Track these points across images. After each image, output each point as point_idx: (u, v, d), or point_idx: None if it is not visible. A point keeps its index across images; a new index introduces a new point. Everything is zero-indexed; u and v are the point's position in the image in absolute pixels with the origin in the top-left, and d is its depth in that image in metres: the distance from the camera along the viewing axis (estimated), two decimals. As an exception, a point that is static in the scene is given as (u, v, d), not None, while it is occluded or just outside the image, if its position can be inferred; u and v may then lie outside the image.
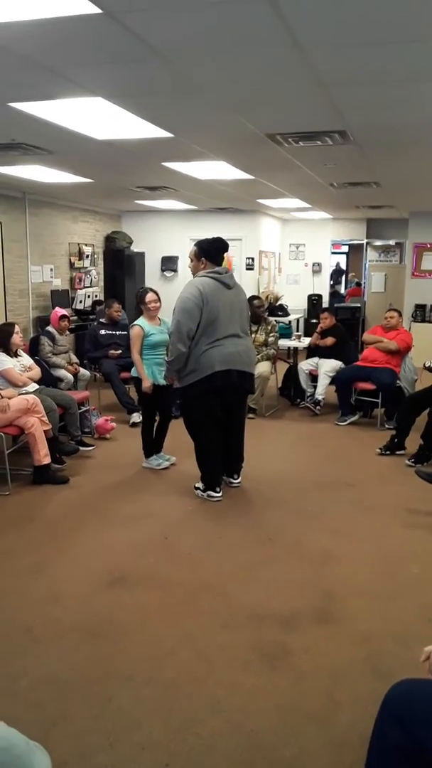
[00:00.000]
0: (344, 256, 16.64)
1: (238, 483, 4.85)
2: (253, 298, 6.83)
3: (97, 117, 4.26)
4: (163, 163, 6.11)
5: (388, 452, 5.67)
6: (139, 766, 2.17)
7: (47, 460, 4.88)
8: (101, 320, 7.43)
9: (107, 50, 2.98)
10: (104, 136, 4.87)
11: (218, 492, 4.59)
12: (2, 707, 2.45)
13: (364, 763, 1.77)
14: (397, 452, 5.63)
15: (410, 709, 1.58)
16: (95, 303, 9.81)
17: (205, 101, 3.88)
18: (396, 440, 5.67)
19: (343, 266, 16.69)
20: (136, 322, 5.23)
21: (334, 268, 15.48)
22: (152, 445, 5.28)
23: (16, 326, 5.31)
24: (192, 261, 4.56)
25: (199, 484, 4.68)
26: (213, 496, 4.57)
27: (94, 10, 2.47)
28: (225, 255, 4.65)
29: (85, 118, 4.34)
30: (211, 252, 4.50)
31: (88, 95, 3.72)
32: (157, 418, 5.30)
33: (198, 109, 4.08)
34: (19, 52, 3.02)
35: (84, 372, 6.91)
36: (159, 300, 5.28)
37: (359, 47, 2.88)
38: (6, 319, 7.38)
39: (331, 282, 14.94)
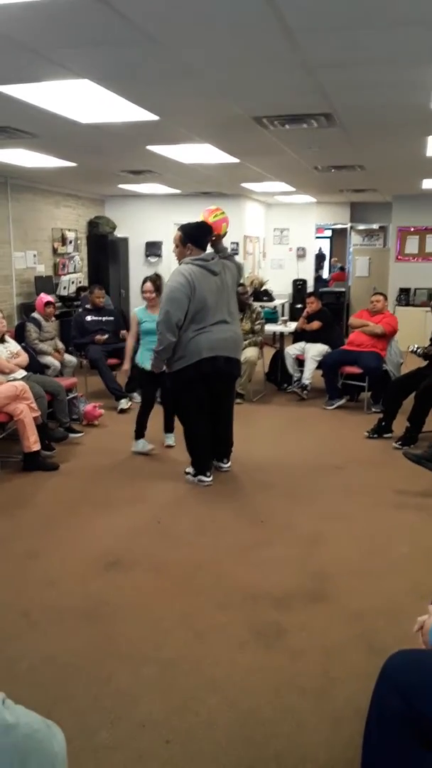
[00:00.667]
0: (328, 240, 16.70)
1: (228, 467, 4.88)
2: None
3: (83, 100, 4.22)
4: (147, 147, 6.07)
5: (375, 435, 5.73)
6: (140, 743, 2.20)
7: (37, 446, 4.88)
8: (86, 306, 7.40)
9: (95, 32, 2.96)
10: (90, 120, 4.83)
11: (209, 476, 4.62)
12: (4, 689, 2.45)
13: (362, 735, 1.82)
14: (385, 435, 5.70)
15: (408, 678, 1.62)
16: (79, 289, 9.76)
17: (192, 84, 3.86)
18: (383, 423, 5.73)
19: (326, 251, 16.75)
20: (136, 308, 5.45)
21: (316, 253, 15.53)
22: (143, 429, 5.28)
23: None
24: (177, 246, 4.52)
25: (190, 469, 4.70)
26: (204, 481, 4.60)
27: (83, -9, 2.45)
28: (223, 219, 4.61)
29: (70, 101, 4.29)
30: (197, 236, 4.48)
31: (75, 77, 3.69)
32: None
33: (185, 92, 4.06)
34: (3, 34, 2.98)
35: (70, 359, 6.91)
36: (158, 290, 5.25)
37: (344, 30, 2.88)
38: (-10, 306, 7.31)
39: (314, 267, 15.00)
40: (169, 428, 5.46)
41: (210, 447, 4.74)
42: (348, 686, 2.49)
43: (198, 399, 4.51)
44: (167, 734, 2.24)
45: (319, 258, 15.68)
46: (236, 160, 6.82)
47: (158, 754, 2.15)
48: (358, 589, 3.22)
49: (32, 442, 4.85)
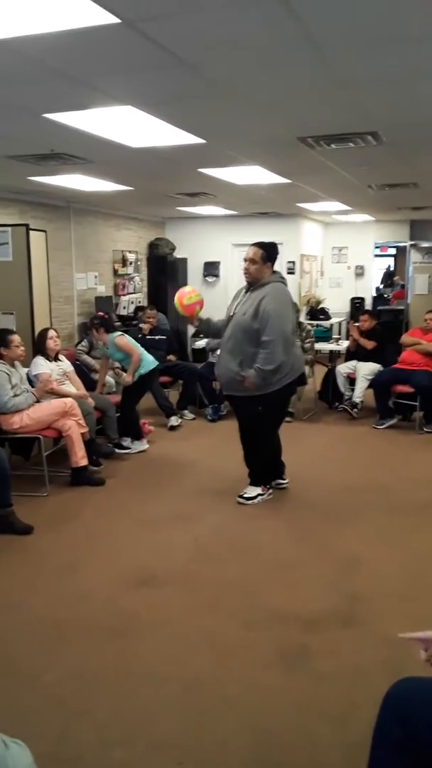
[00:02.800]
0: (392, 258, 16.43)
1: (287, 483, 4.93)
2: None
3: (130, 125, 4.34)
4: (199, 170, 6.17)
5: None
6: (153, 763, 2.20)
7: (84, 462, 4.99)
8: (141, 326, 7.54)
9: (130, 59, 3.05)
10: (139, 144, 4.96)
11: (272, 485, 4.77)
12: (26, 700, 2.53)
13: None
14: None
15: (409, 706, 1.58)
16: (137, 309, 9.94)
17: (232, 106, 3.92)
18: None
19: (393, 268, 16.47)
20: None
21: (385, 271, 15.31)
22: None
23: (51, 331, 5.44)
24: (255, 263, 4.42)
25: (251, 493, 4.63)
26: (271, 491, 4.74)
27: (113, 20, 2.53)
28: (197, 302, 4.73)
29: (118, 127, 4.42)
30: (274, 256, 4.53)
31: (118, 104, 3.81)
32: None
33: (226, 115, 4.12)
34: (48, 64, 3.11)
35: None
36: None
37: (373, 45, 2.86)
38: (51, 325, 7.54)
39: (382, 284, 14.79)
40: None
41: None
42: (370, 713, 2.37)
43: (283, 413, 4.76)
44: (181, 756, 2.23)
45: (389, 276, 15.43)
46: (288, 181, 6.85)
47: (169, 774, 2.15)
48: (391, 613, 3.13)
49: (80, 457, 4.96)
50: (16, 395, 4.87)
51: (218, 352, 4.85)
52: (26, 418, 4.85)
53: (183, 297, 4.69)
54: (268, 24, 2.63)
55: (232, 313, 4.52)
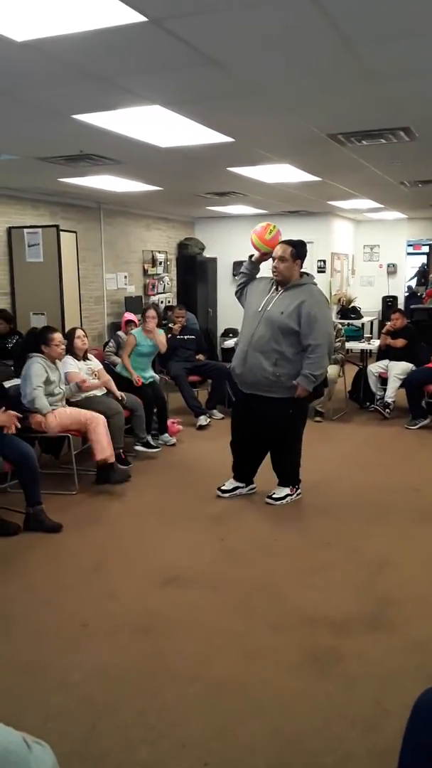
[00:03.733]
0: (425, 256, 16.18)
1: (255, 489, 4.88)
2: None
3: (158, 125, 4.34)
4: (228, 168, 6.16)
5: None
6: (178, 764, 2.19)
7: (111, 459, 4.98)
8: (170, 325, 7.54)
9: (158, 58, 3.04)
10: (167, 144, 4.96)
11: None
12: (54, 699, 2.54)
13: None
14: None
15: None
16: (167, 308, 9.96)
17: (260, 104, 3.89)
18: None
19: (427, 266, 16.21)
20: (132, 331, 6.00)
21: (419, 269, 15.07)
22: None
23: (78, 330, 5.47)
24: (285, 261, 4.34)
25: (280, 493, 4.60)
26: (246, 493, 4.71)
27: (140, 18, 2.53)
28: (277, 232, 4.50)
29: (147, 127, 4.43)
30: (303, 254, 4.44)
31: (146, 103, 3.81)
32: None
33: (255, 113, 4.10)
34: (75, 65, 3.13)
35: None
36: (158, 317, 6.21)
37: (403, 38, 2.81)
38: (81, 326, 7.62)
39: (415, 283, 14.56)
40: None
41: None
42: (400, 719, 2.33)
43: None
44: (206, 757, 2.21)
45: (423, 274, 15.19)
46: (318, 179, 6.79)
47: (194, 776, 2.14)
48: (422, 617, 3.07)
49: (108, 455, 4.95)
50: (52, 394, 4.88)
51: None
52: (51, 418, 4.86)
53: (264, 233, 4.46)
54: (296, 20, 2.60)
55: (260, 308, 4.37)
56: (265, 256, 4.54)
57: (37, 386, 4.79)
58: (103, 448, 4.89)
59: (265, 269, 4.64)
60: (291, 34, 2.77)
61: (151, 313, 6.17)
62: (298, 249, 4.38)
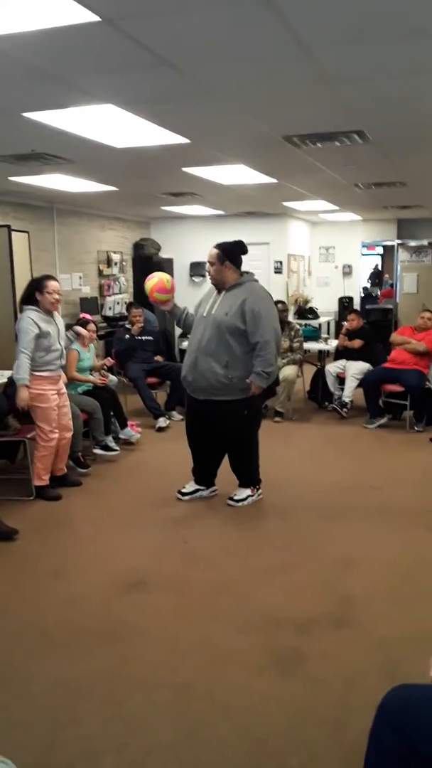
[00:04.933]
0: (379, 257, 16.44)
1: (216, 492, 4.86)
2: (276, 302, 6.79)
3: (112, 125, 4.29)
4: (184, 169, 6.13)
5: None
6: (145, 771, 2.16)
7: (62, 472, 4.95)
8: (127, 325, 7.46)
9: (111, 58, 3.01)
10: (122, 144, 4.91)
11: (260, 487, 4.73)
12: (15, 710, 2.48)
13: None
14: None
15: (405, 714, 1.55)
16: (129, 304, 9.70)
17: (215, 105, 3.88)
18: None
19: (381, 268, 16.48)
20: (72, 347, 5.75)
21: (373, 270, 15.30)
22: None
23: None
24: (213, 265, 4.39)
25: (241, 495, 4.59)
26: (260, 492, 4.68)
27: (93, 18, 2.49)
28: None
29: (101, 126, 4.37)
30: (234, 255, 4.41)
31: (99, 102, 3.76)
32: None
33: (210, 114, 4.09)
34: (26, 63, 3.06)
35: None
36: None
37: (357, 42, 2.83)
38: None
39: (369, 284, 14.78)
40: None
41: None
42: (366, 718, 2.33)
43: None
44: (173, 763, 2.19)
45: (377, 275, 15.43)
46: (274, 180, 6.82)
47: (162, 783, 2.11)
48: (386, 616, 3.10)
49: (58, 468, 4.91)
50: (48, 350, 4.60)
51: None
52: (23, 391, 4.53)
53: (164, 286, 4.55)
54: (252, 23, 2.60)
55: (205, 313, 4.37)
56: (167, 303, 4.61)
57: (24, 349, 4.48)
58: (39, 473, 4.75)
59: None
60: (246, 38, 2.77)
61: (92, 327, 6.12)
62: (225, 251, 4.38)
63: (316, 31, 2.70)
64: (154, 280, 4.57)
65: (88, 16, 2.47)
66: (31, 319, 4.55)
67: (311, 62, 3.09)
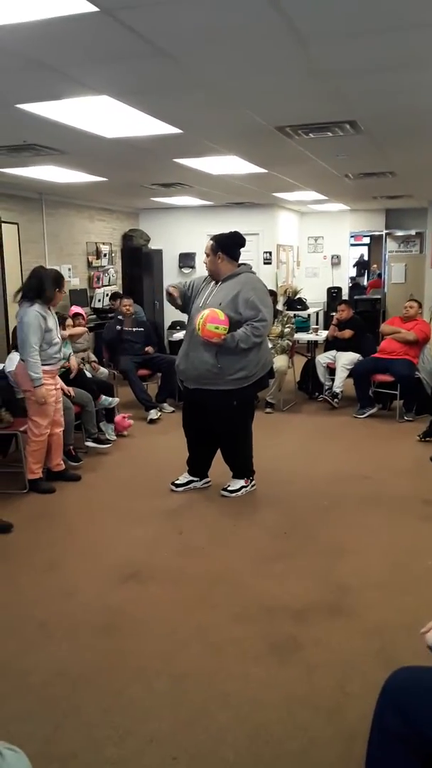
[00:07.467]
0: (366, 247, 16.50)
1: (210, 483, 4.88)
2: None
3: (106, 115, 4.27)
4: (175, 160, 6.10)
5: (429, 438, 5.72)
6: (146, 759, 2.18)
7: (60, 468, 4.96)
8: (118, 317, 7.44)
9: (108, 48, 2.98)
10: (114, 134, 4.88)
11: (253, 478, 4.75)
12: (14, 702, 2.49)
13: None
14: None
15: (409, 696, 1.58)
16: (114, 294, 9.68)
17: (210, 96, 3.87)
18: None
19: (367, 258, 16.54)
20: None
21: (358, 260, 15.36)
22: None
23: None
24: (208, 256, 4.40)
25: (234, 486, 4.62)
26: (202, 487, 4.72)
27: (91, 8, 2.48)
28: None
29: (93, 117, 4.34)
30: (230, 246, 4.42)
31: (94, 94, 3.73)
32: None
33: (204, 104, 4.07)
34: (21, 53, 3.04)
35: (102, 370, 6.96)
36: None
37: (353, 35, 2.84)
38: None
39: (355, 274, 14.84)
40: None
41: None
42: (363, 703, 2.41)
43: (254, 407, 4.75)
44: (174, 751, 2.21)
45: (362, 265, 15.49)
46: (264, 171, 6.81)
47: (163, 771, 2.13)
48: (380, 603, 3.15)
49: (54, 464, 4.92)
50: (50, 344, 4.57)
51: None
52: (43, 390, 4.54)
53: (216, 319, 4.20)
54: (249, 15, 2.59)
55: (200, 304, 4.38)
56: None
57: (35, 345, 4.43)
58: (30, 467, 4.74)
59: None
60: (243, 30, 2.76)
61: (80, 321, 6.22)
62: (219, 242, 4.40)
63: (312, 22, 2.69)
64: (206, 312, 4.23)
65: (87, 7, 2.46)
66: (38, 313, 4.50)
67: (306, 54, 3.09)
